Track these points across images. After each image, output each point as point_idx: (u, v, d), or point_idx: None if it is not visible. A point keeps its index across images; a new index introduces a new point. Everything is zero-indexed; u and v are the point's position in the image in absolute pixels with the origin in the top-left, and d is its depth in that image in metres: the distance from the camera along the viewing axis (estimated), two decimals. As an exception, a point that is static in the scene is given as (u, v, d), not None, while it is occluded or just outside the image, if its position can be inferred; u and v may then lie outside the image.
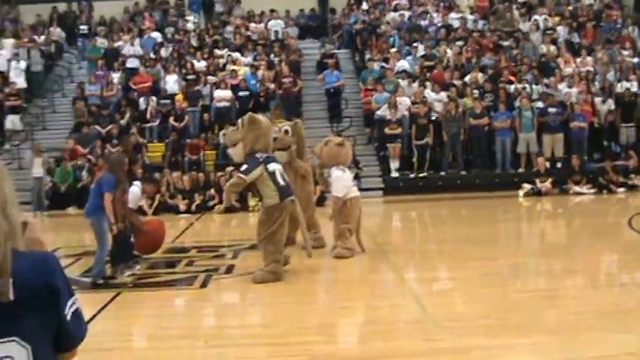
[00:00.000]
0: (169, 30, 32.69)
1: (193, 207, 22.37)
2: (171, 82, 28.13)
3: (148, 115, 26.94)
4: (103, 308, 10.34)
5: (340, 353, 8.13)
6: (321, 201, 19.19)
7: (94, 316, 9.82)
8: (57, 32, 32.75)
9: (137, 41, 30.82)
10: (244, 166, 11.82)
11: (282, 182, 11.77)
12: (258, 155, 11.79)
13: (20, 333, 2.49)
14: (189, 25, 33.03)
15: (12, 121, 27.36)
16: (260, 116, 12.65)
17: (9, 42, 30.65)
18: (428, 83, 26.73)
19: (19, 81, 28.54)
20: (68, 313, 2.58)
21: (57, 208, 23.67)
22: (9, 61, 29.24)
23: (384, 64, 28.36)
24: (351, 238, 13.60)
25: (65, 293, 2.58)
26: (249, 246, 14.56)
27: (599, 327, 8.51)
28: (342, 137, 16.31)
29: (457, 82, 26.84)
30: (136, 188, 13.72)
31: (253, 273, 11.83)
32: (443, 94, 25.94)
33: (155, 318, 10.31)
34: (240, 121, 12.39)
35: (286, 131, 14.52)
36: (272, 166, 11.81)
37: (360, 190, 18.66)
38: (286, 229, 12.02)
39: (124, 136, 25.33)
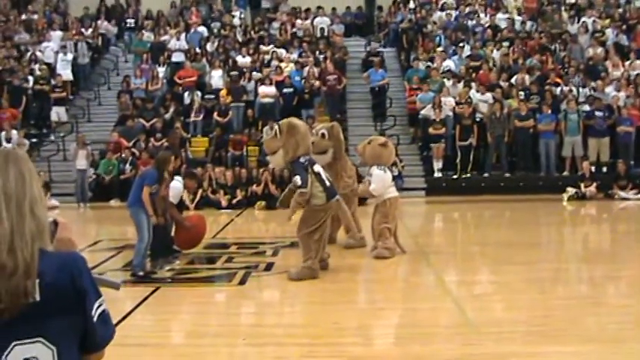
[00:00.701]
0: (215, 25, 32.79)
1: (234, 202, 22.44)
2: (216, 78, 28.19)
3: (193, 111, 27.00)
4: (141, 303, 10.36)
5: (377, 355, 8.07)
6: (362, 200, 19.11)
7: (133, 310, 9.86)
8: (105, 26, 32.97)
9: (183, 36, 30.92)
10: (298, 179, 11.64)
11: (327, 183, 11.77)
12: (302, 160, 11.76)
13: (45, 334, 2.48)
14: (236, 21, 33.11)
15: (57, 113, 27.58)
16: (297, 120, 12.60)
17: (57, 34, 30.92)
18: (473, 84, 26.53)
19: (66, 73, 28.74)
20: (95, 314, 2.56)
21: (100, 200, 23.87)
22: (56, 53, 29.47)
23: (429, 64, 28.22)
24: (390, 238, 13.52)
25: (92, 294, 2.56)
26: (289, 244, 14.53)
27: (641, 337, 8.38)
28: (386, 137, 16.16)
29: (503, 84, 26.61)
30: (177, 183, 13.75)
31: (289, 270, 11.83)
32: (488, 95, 25.73)
33: (193, 314, 10.33)
34: (276, 127, 12.30)
35: (323, 135, 14.39)
36: (316, 168, 11.83)
37: (403, 190, 18.68)
38: (329, 229, 12.02)
39: (171, 129, 25.44)
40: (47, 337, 2.48)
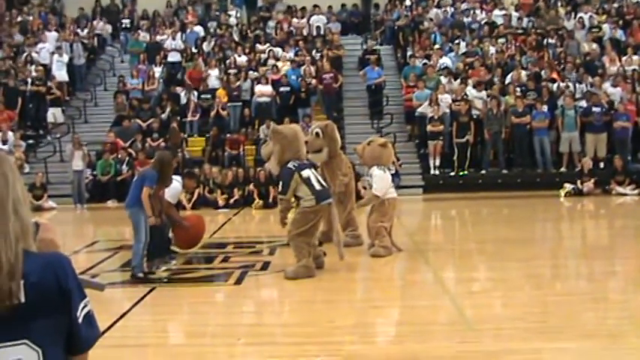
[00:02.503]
0: (212, 24, 32.74)
1: (231, 202, 22.41)
2: (213, 77, 28.17)
3: (190, 111, 26.96)
4: (137, 303, 10.34)
5: (374, 354, 8.03)
6: (360, 198, 19.07)
7: (129, 310, 9.83)
8: (100, 26, 32.94)
9: (179, 35, 30.87)
10: (280, 185, 11.96)
11: (317, 186, 11.77)
12: (290, 165, 11.87)
13: (30, 335, 2.45)
14: (232, 20, 33.05)
15: (53, 114, 27.55)
16: (284, 126, 12.71)
17: (52, 35, 30.87)
18: (470, 80, 26.48)
19: (61, 74, 28.74)
20: (80, 315, 2.53)
21: (97, 201, 23.84)
22: (52, 54, 29.41)
23: (426, 61, 28.18)
24: (387, 237, 13.49)
25: (77, 295, 2.53)
26: (286, 243, 14.46)
27: (639, 333, 8.34)
28: (385, 138, 16.10)
29: (499, 80, 26.57)
30: (176, 183, 13.65)
31: (286, 269, 11.82)
32: (484, 92, 25.68)
33: (190, 314, 10.30)
34: (270, 130, 12.52)
35: (317, 134, 14.39)
36: (306, 172, 11.83)
37: (400, 187, 18.62)
38: (319, 229, 12.08)
39: (172, 129, 25.37)
40: (32, 339, 2.45)
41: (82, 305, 2.54)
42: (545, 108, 24.66)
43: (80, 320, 2.53)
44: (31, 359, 2.45)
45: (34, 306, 2.44)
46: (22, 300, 2.41)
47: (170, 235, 13.54)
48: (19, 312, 2.42)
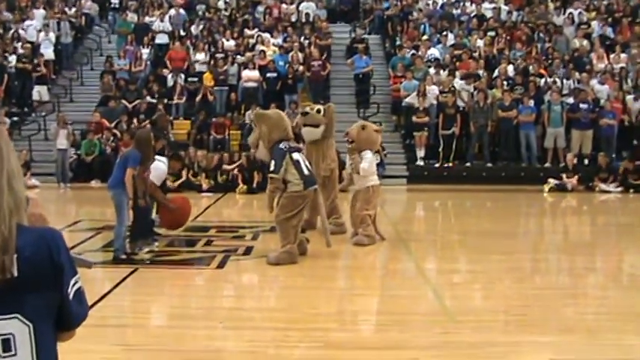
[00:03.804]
0: (200, 7, 32.60)
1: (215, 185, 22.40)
2: (200, 60, 28.06)
3: (176, 93, 26.88)
4: (119, 284, 10.33)
5: (354, 341, 8.04)
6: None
7: (110, 291, 9.83)
8: (88, 5, 32.75)
9: (167, 17, 30.71)
10: (272, 164, 11.82)
11: (306, 171, 11.81)
12: (281, 146, 11.84)
13: (22, 310, 2.44)
14: (221, 4, 32.93)
15: (39, 92, 27.38)
16: (268, 110, 12.77)
17: (40, 13, 30.69)
18: (457, 72, 26.48)
19: (48, 52, 28.56)
20: (71, 291, 2.53)
21: (80, 181, 23.73)
22: (39, 31, 29.25)
23: (414, 52, 28.16)
24: (371, 226, 13.50)
25: (69, 271, 2.53)
26: (269, 228, 14.49)
27: (617, 329, 8.41)
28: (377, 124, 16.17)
29: (486, 73, 26.58)
30: (161, 164, 13.61)
31: (268, 254, 11.82)
32: (472, 85, 25.70)
33: (171, 296, 10.33)
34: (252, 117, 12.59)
35: (318, 110, 14.66)
36: (296, 156, 11.87)
37: (385, 177, 18.59)
38: (304, 215, 12.06)
39: (159, 111, 25.24)
40: (24, 314, 2.44)
41: (73, 281, 2.54)
42: (531, 103, 24.68)
43: (71, 297, 2.53)
44: (22, 333, 2.44)
45: (27, 280, 2.43)
46: (15, 274, 2.41)
47: (154, 216, 13.53)
48: (12, 286, 2.41)
